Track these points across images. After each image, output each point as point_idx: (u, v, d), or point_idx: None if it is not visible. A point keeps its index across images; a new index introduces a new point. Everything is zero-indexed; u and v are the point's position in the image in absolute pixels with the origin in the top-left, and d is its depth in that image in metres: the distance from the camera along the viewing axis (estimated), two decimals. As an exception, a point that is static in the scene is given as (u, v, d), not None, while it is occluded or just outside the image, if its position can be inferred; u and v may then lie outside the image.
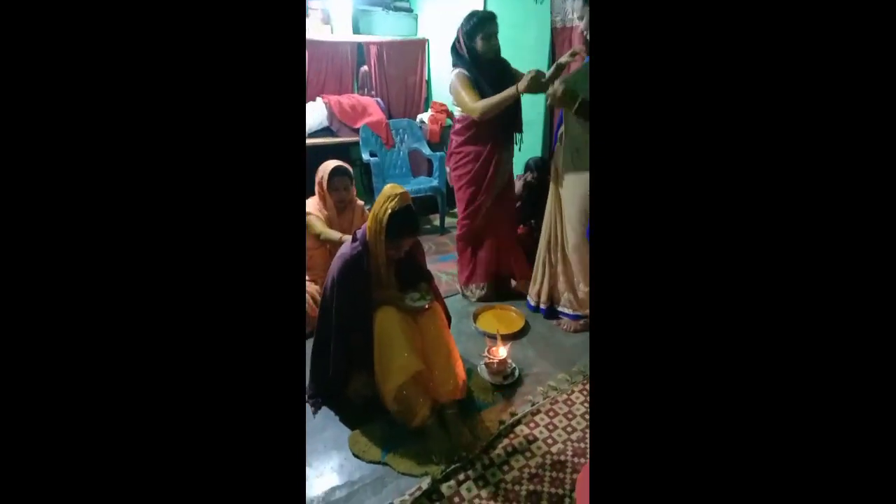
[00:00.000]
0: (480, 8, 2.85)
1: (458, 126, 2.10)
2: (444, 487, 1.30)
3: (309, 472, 1.36)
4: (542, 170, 2.43)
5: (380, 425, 1.50)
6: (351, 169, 2.07)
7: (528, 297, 2.17)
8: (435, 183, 3.11)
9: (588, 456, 1.40)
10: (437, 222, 3.29)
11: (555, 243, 2.01)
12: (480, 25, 1.89)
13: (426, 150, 3.32)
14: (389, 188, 1.44)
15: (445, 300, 1.86)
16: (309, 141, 3.05)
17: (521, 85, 1.78)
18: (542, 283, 2.09)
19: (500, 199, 2.16)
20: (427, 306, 1.54)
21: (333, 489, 1.30)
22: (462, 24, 1.92)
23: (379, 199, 1.44)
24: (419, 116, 3.51)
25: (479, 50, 1.91)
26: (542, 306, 2.11)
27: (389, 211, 1.40)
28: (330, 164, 2.00)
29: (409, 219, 1.44)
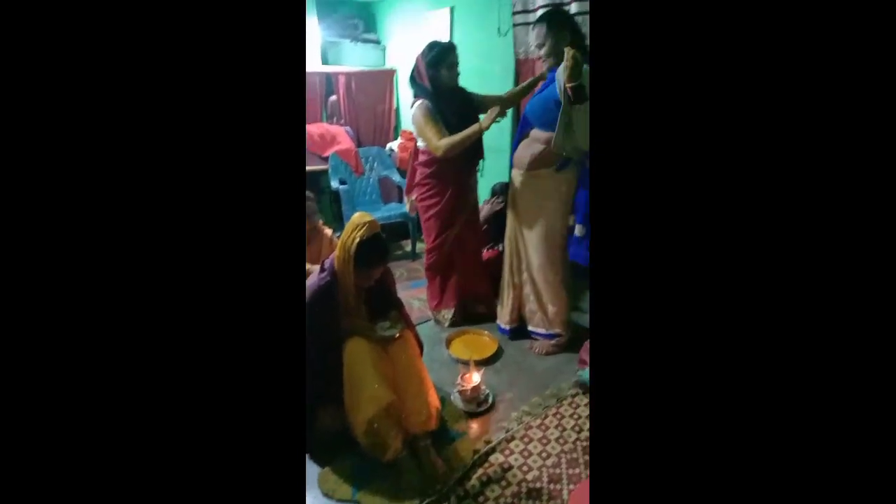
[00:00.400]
0: (446, 39, 2.95)
1: (422, 158, 2.13)
2: (417, 524, 1.25)
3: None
4: (507, 194, 2.48)
5: (350, 461, 1.45)
6: (313, 196, 2.05)
7: (498, 320, 2.18)
8: (405, 209, 3.11)
9: (564, 482, 1.38)
10: (408, 248, 3.28)
11: (517, 265, 2.04)
12: (444, 55, 1.94)
13: (396, 177, 3.34)
14: (358, 216, 1.44)
15: (418, 327, 1.85)
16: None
17: (485, 122, 1.83)
18: (508, 304, 2.10)
19: (466, 225, 2.18)
20: (398, 335, 1.52)
21: (301, 533, 1.23)
22: (423, 53, 1.96)
23: (347, 227, 1.43)
24: (389, 144, 3.54)
25: (442, 80, 1.95)
26: (507, 327, 2.13)
27: (358, 240, 1.39)
28: None
29: (379, 247, 1.44)
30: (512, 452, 1.50)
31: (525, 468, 1.44)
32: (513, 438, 1.55)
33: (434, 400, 1.52)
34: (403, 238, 3.35)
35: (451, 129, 1.92)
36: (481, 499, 1.33)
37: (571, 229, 1.97)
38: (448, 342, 2.10)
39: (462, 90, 2.06)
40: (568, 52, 1.50)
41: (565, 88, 1.57)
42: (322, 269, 1.49)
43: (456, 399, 1.73)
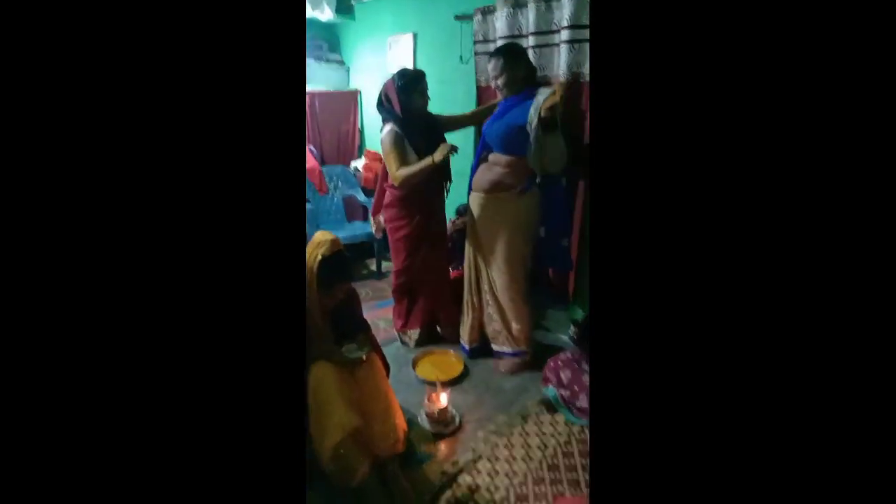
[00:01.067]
0: (410, 63, 3.01)
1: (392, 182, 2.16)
2: (385, 552, 1.23)
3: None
4: None
5: (316, 490, 1.41)
6: None
7: (461, 340, 2.20)
8: (370, 229, 3.11)
9: (531, 501, 1.40)
10: (373, 267, 3.27)
11: (476, 286, 2.10)
12: (415, 82, 2.00)
13: (361, 197, 3.33)
14: (319, 235, 1.43)
15: (384, 348, 1.84)
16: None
17: (437, 156, 1.87)
18: (468, 323, 2.14)
19: (433, 247, 2.21)
20: (364, 357, 1.50)
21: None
22: (395, 80, 2.01)
23: (308, 247, 1.42)
24: (353, 163, 3.54)
25: (413, 105, 2.00)
26: (468, 346, 2.16)
27: (320, 258, 1.38)
28: None
29: (341, 265, 1.43)
30: (479, 473, 1.51)
31: (492, 488, 1.45)
32: (480, 458, 1.56)
33: (401, 423, 1.51)
34: (368, 257, 3.33)
35: (420, 153, 1.97)
36: (450, 522, 1.33)
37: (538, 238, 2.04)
38: (414, 363, 2.10)
39: (429, 114, 2.12)
40: (558, 88, 1.75)
41: (542, 117, 1.70)
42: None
43: (423, 421, 1.72)
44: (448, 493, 1.42)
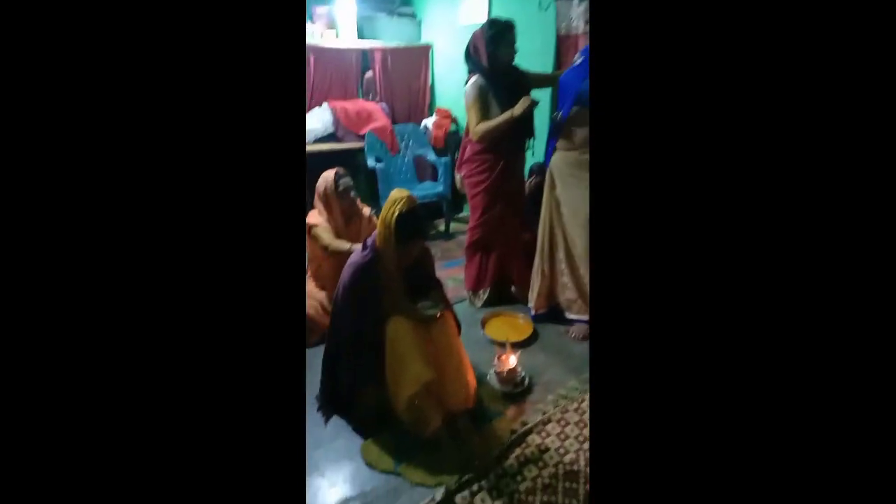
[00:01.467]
0: (484, 14, 2.87)
1: (472, 137, 2.12)
2: (457, 498, 1.29)
3: (321, 481, 1.35)
4: (543, 175, 2.45)
5: (392, 435, 1.50)
6: (347, 173, 2.05)
7: (528, 305, 2.18)
8: (440, 189, 3.12)
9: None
10: (442, 227, 3.29)
11: (549, 252, 2.03)
12: (503, 33, 1.94)
13: (431, 156, 3.32)
14: (396, 192, 1.45)
15: (453, 306, 1.87)
16: (313, 147, 3.06)
17: (517, 110, 1.85)
18: (536, 291, 2.10)
19: (510, 205, 2.17)
20: (439, 315, 1.54)
21: (346, 500, 1.30)
22: (483, 30, 1.95)
23: (386, 204, 1.44)
24: (423, 122, 3.51)
25: (499, 58, 1.94)
26: (535, 312, 2.13)
27: (397, 214, 1.40)
28: (330, 171, 2.00)
29: (417, 221, 1.45)
30: (549, 435, 1.52)
31: (562, 450, 1.45)
32: (549, 421, 1.57)
33: (472, 379, 1.55)
34: (437, 217, 3.36)
35: (503, 107, 1.93)
36: (519, 478, 1.36)
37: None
38: (483, 323, 2.12)
39: (516, 68, 2.04)
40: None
41: None
42: (364, 247, 1.51)
43: (492, 380, 1.75)
44: (517, 451, 1.45)
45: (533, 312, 2.15)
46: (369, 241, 1.51)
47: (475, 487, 1.33)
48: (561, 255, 2.00)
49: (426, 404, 1.44)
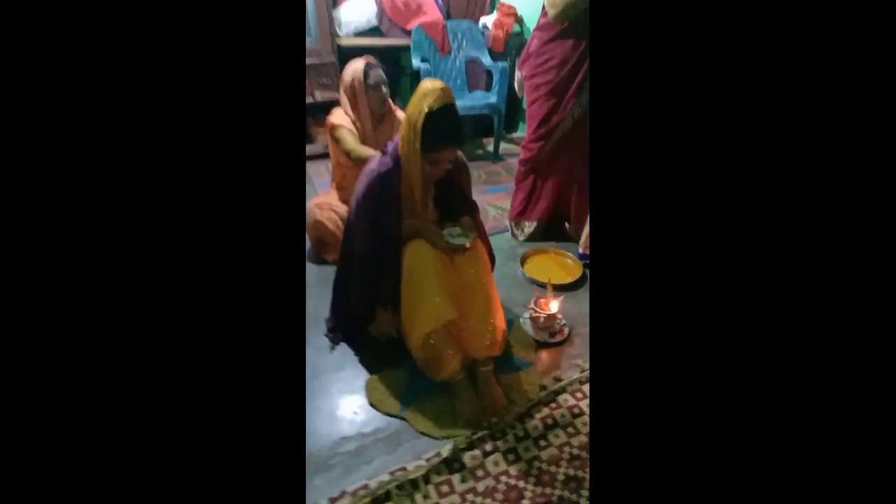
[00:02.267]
0: None
1: (542, 21, 1.69)
2: (466, 457, 1.11)
3: (317, 415, 1.21)
4: None
5: (402, 373, 1.32)
6: (378, 65, 1.70)
7: (579, 246, 1.85)
8: (493, 100, 2.69)
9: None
10: (490, 147, 2.92)
11: None
12: None
13: (487, 60, 2.85)
14: (428, 82, 1.12)
15: (491, 237, 1.59)
16: (352, 41, 2.69)
17: None
18: (589, 229, 1.78)
19: (576, 125, 1.76)
20: (468, 245, 1.26)
21: (342, 440, 1.15)
22: None
23: (414, 97, 1.13)
24: (482, 20, 3.00)
25: None
26: (582, 251, 1.84)
27: (426, 110, 1.09)
28: (359, 61, 1.66)
29: (451, 122, 1.12)
30: (585, 396, 1.28)
31: (599, 418, 1.22)
32: (587, 381, 1.32)
33: (501, 323, 1.30)
34: (486, 135, 2.97)
35: None
36: (543, 443, 1.15)
37: None
38: (524, 259, 1.84)
39: None
40: None
41: None
42: (384, 153, 1.23)
43: (526, 324, 1.51)
44: (545, 412, 1.23)
45: (580, 251, 1.84)
46: (391, 145, 1.22)
47: (489, 447, 1.13)
48: None
49: (443, 345, 1.22)
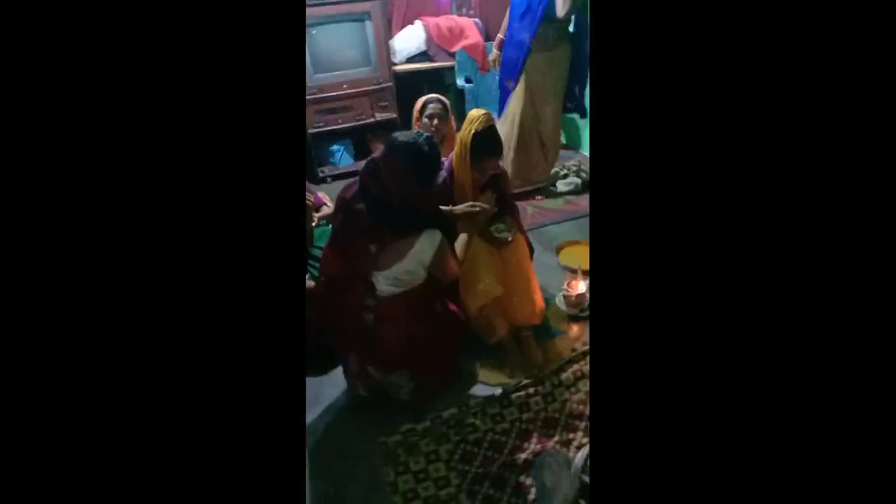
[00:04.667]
0: None
1: None
2: (513, 397, 1.47)
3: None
4: None
5: (468, 347, 1.66)
6: (446, 100, 2.10)
7: None
8: (529, 111, 3.02)
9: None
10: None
11: None
12: None
13: (522, 76, 3.18)
14: (474, 112, 1.50)
15: (530, 232, 1.93)
16: (403, 67, 3.10)
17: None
18: None
19: None
20: (510, 238, 1.62)
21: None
22: None
23: (465, 123, 1.51)
24: (518, 37, 3.32)
25: None
26: None
27: (473, 132, 1.46)
28: (429, 96, 2.07)
29: (493, 138, 1.50)
30: (608, 356, 1.61)
31: (619, 371, 1.54)
32: (611, 344, 1.64)
33: (538, 300, 1.65)
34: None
35: None
36: (573, 389, 1.49)
37: None
38: (559, 249, 2.17)
39: None
40: None
41: None
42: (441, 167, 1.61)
43: (560, 302, 1.84)
44: (575, 367, 1.57)
45: None
46: (447, 162, 1.60)
47: (531, 391, 1.49)
48: None
49: (494, 314, 1.59)
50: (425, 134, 1.30)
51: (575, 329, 1.75)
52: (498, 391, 1.48)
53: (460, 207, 1.51)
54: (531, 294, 1.63)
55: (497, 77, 3.28)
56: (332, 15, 2.62)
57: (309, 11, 2.55)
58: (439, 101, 2.08)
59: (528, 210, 2.58)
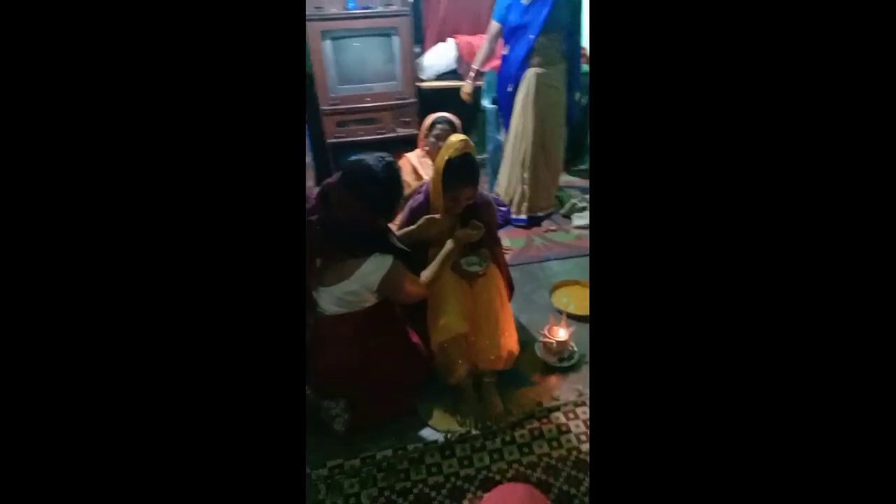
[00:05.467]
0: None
1: None
2: (457, 448, 1.33)
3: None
4: None
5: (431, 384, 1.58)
6: (456, 120, 2.02)
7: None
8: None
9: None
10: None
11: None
12: None
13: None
14: (452, 137, 1.40)
15: (531, 266, 1.79)
16: (432, 84, 3.06)
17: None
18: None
19: None
20: (481, 272, 1.50)
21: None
22: None
23: (442, 148, 1.41)
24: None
25: None
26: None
27: (446, 158, 1.36)
28: (438, 115, 2.02)
29: (467, 167, 1.39)
30: (576, 418, 1.43)
31: (582, 437, 1.36)
32: (583, 404, 1.47)
33: (509, 343, 1.50)
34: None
35: None
36: (526, 450, 1.33)
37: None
38: (554, 288, 2.01)
39: None
40: None
41: None
42: (418, 192, 1.52)
43: (539, 348, 1.68)
44: (535, 424, 1.41)
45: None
46: (425, 185, 1.52)
47: (478, 444, 1.35)
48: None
49: (455, 354, 1.46)
50: (387, 159, 1.24)
51: (548, 381, 1.58)
52: (442, 439, 1.36)
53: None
54: (499, 336, 1.49)
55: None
56: (359, 28, 2.64)
57: (336, 24, 2.59)
58: (447, 120, 2.02)
59: (535, 241, 2.44)
